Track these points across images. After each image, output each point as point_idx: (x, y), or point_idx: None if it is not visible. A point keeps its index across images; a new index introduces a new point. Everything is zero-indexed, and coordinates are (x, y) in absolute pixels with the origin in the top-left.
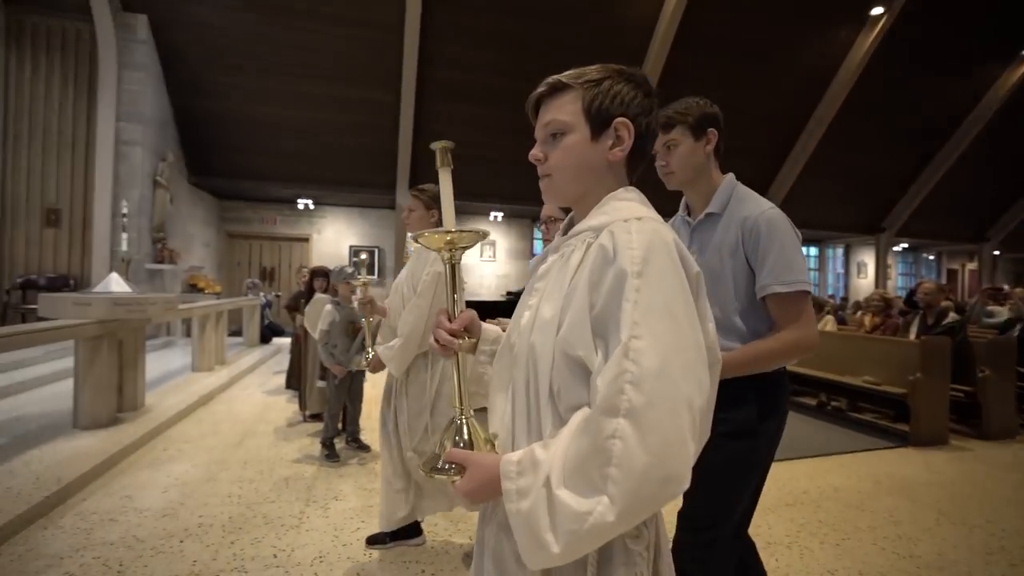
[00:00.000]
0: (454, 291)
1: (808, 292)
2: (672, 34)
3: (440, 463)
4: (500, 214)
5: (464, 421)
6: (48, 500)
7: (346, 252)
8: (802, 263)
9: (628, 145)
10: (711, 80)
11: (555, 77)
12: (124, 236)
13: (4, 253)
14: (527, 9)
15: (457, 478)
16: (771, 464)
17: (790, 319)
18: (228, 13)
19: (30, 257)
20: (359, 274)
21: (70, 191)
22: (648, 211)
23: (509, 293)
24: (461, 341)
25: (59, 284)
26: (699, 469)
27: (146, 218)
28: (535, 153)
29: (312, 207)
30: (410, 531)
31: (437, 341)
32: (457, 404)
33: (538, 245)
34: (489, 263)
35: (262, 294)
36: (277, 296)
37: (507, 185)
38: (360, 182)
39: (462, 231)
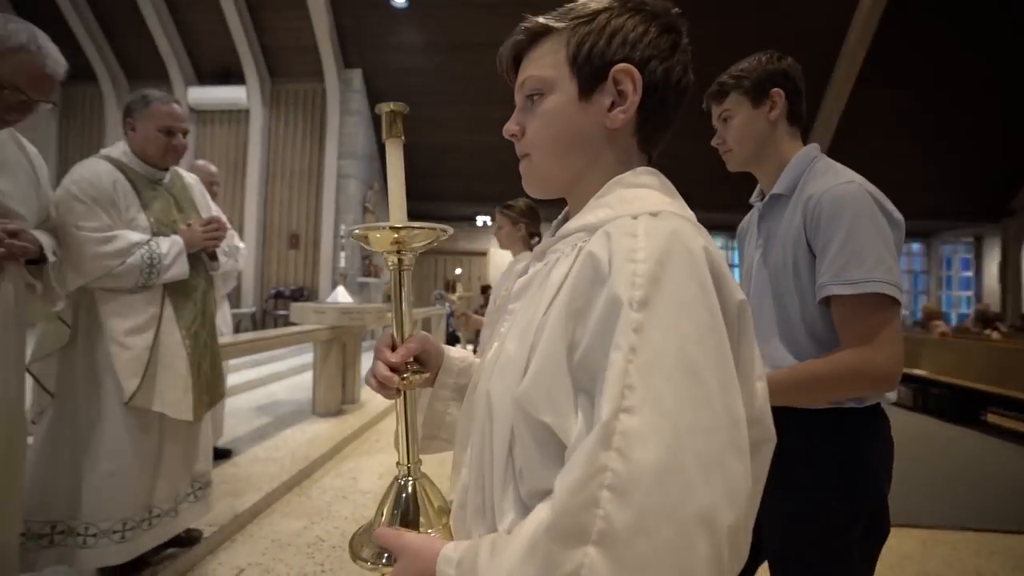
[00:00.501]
0: (400, 307)
1: (887, 296)
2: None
3: (370, 545)
4: None
5: (408, 483)
6: (301, 472)
7: None
8: (882, 255)
9: (634, 102)
10: (942, 47)
11: (536, 18)
12: (343, 254)
13: (263, 270)
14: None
15: (386, 571)
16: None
17: (854, 334)
18: (420, 57)
19: (279, 273)
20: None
21: (305, 218)
22: (672, 202)
23: None
24: (407, 378)
25: (297, 295)
26: None
27: None
28: (508, 126)
29: (489, 223)
30: None
31: (375, 376)
32: (403, 460)
33: None
34: None
35: (447, 304)
36: None
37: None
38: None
39: (413, 227)
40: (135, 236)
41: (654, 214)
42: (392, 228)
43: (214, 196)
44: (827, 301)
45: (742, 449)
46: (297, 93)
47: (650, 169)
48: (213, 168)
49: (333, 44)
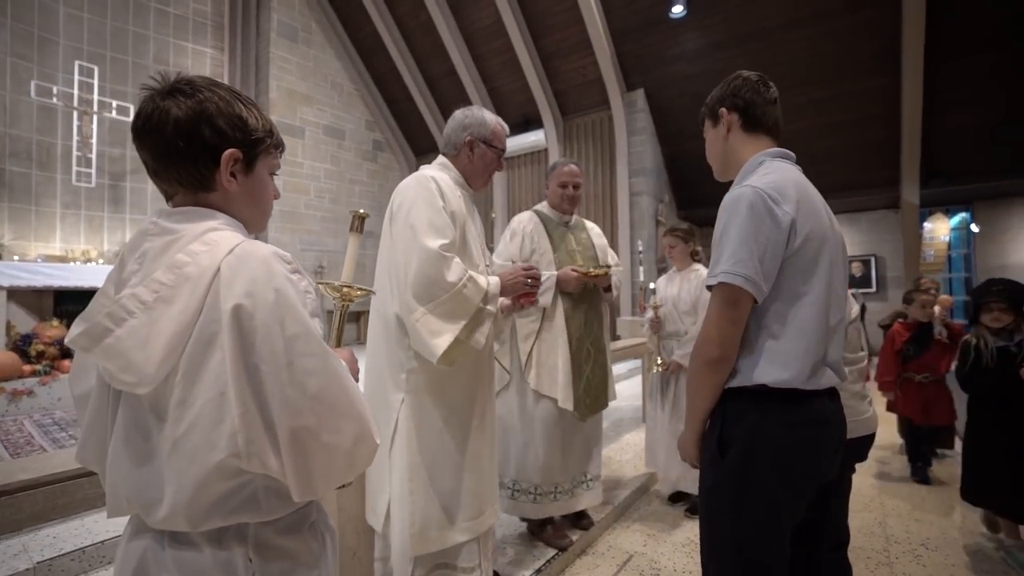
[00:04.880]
0: (340, 334)
1: (727, 284)
2: None
3: None
4: None
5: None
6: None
7: None
8: (736, 251)
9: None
10: None
11: None
12: (641, 269)
13: None
14: None
15: None
16: (772, 531)
17: (706, 316)
18: (704, 61)
19: None
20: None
21: (608, 238)
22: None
23: None
24: None
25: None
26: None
27: (652, 252)
28: None
29: None
30: None
31: None
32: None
33: None
34: None
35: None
36: None
37: None
38: (850, 184)
39: (353, 286)
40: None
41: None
42: (335, 288)
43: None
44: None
45: None
46: (586, 125)
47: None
48: None
49: (616, 72)
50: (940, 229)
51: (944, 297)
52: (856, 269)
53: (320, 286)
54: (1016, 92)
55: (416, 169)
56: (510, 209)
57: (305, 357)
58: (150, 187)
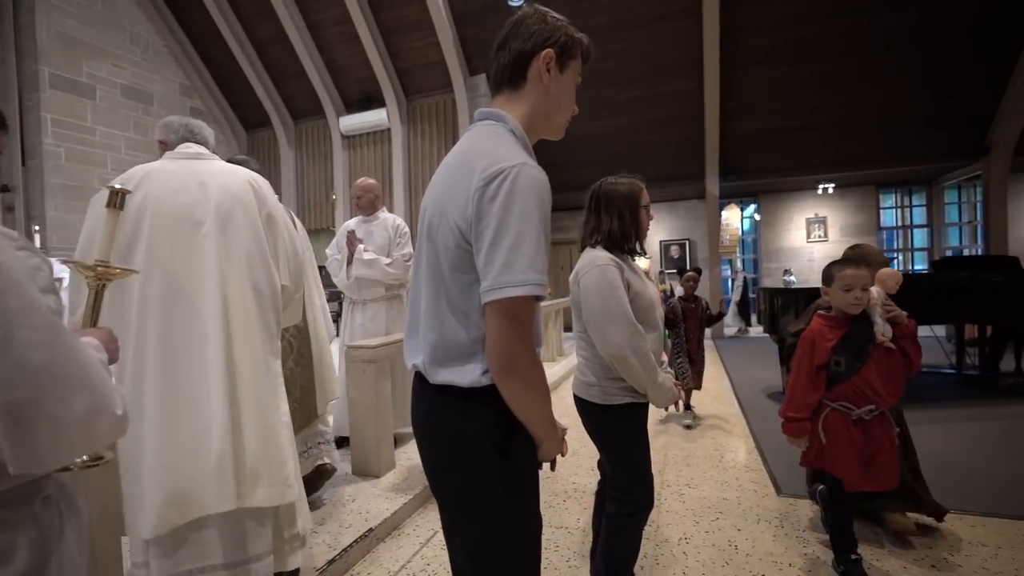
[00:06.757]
0: (95, 315)
1: None
2: None
3: None
4: (831, 185)
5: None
6: None
7: (657, 248)
8: None
9: None
10: None
11: None
12: None
13: None
14: None
15: None
16: None
17: None
18: None
19: None
20: None
21: None
22: None
23: None
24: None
25: None
26: None
27: None
28: None
29: None
30: None
31: None
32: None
33: (887, 216)
34: (820, 243)
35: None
36: None
37: (840, 149)
38: (668, 176)
39: (109, 265)
40: None
41: None
42: (88, 267)
43: (363, 208)
44: None
45: None
46: (430, 106)
47: None
48: (369, 182)
49: (458, 54)
50: (734, 217)
51: (886, 271)
52: (675, 252)
53: (69, 265)
54: (786, 105)
55: (248, 146)
56: (350, 190)
57: (26, 330)
58: None
